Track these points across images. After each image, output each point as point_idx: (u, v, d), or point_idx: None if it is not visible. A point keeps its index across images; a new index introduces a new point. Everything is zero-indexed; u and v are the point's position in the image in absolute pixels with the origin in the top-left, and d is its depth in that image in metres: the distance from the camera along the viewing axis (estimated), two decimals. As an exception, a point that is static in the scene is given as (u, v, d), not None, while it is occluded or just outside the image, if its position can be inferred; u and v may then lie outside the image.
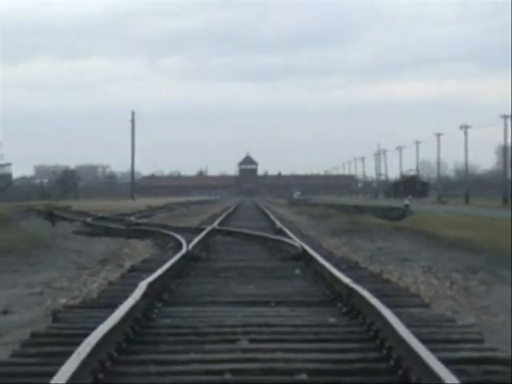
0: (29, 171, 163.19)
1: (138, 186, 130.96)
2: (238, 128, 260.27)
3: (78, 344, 6.89)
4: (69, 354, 6.54)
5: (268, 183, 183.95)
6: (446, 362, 6.29)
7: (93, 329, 7.64)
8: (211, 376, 7.03)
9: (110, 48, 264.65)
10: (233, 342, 8.65)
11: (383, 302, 9.26)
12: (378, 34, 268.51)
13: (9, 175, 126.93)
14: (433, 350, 6.74)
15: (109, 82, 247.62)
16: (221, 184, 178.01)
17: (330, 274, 13.11)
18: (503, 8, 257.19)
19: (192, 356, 7.91)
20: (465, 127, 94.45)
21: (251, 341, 8.70)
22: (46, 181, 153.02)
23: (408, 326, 7.82)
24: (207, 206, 77.75)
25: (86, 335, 7.30)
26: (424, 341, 7.16)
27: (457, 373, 6.03)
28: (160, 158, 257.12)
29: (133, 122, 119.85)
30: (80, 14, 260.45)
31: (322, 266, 14.37)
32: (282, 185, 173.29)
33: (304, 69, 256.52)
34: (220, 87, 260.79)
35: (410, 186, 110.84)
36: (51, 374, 5.84)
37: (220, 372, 7.14)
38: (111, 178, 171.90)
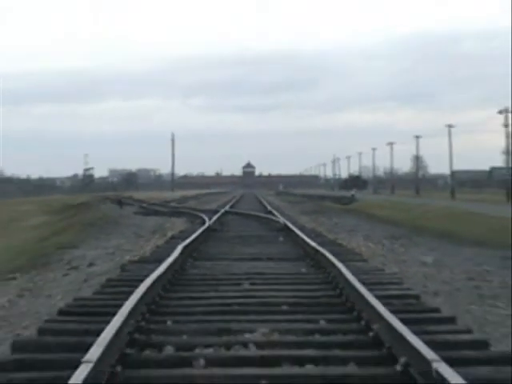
0: (105, 173, 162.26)
1: (176, 182, 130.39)
2: (242, 144, 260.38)
3: (137, 286, 6.92)
4: (131, 292, 6.57)
5: (262, 180, 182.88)
6: (378, 297, 6.32)
7: (147, 276, 7.67)
8: (224, 307, 7.05)
9: (156, 92, 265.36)
10: (238, 284, 8.68)
11: (337, 259, 9.29)
12: (333, 81, 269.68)
13: (92, 175, 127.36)
14: (370, 290, 6.77)
15: (157, 113, 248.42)
16: (231, 181, 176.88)
17: (303, 240, 13.14)
18: (414, 63, 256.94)
19: (212, 294, 7.94)
20: (391, 144, 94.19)
21: (251, 284, 8.73)
22: (115, 179, 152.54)
23: (353, 273, 7.83)
24: (222, 195, 77.56)
25: (142, 280, 7.32)
26: (364, 283, 7.18)
27: (386, 304, 6.05)
28: (190, 164, 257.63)
29: (173, 140, 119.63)
30: (134, 68, 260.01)
31: (297, 235, 14.41)
32: (271, 181, 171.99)
33: (286, 105, 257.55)
34: (230, 118, 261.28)
35: (355, 182, 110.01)
36: (120, 306, 5.87)
37: (230, 304, 7.18)
38: (159, 177, 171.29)
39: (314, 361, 5.02)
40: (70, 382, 3.74)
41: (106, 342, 4.55)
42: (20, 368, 4.81)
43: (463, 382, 3.73)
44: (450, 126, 72.45)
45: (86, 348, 4.42)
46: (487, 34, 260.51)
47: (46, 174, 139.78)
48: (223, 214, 25.38)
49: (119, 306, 5.82)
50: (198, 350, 5.32)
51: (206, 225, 18.03)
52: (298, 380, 4.63)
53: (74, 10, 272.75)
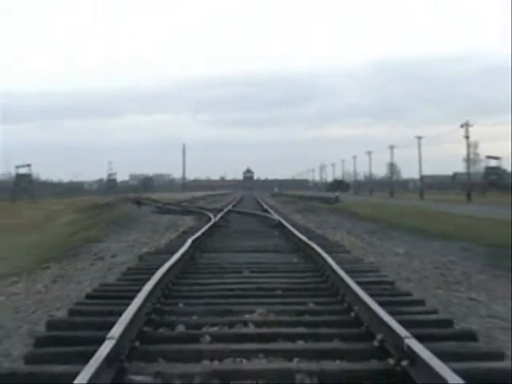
0: (126, 177, 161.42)
1: (186, 185, 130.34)
2: (243, 152, 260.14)
3: (153, 273, 6.93)
4: (148, 279, 6.57)
5: (260, 183, 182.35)
6: (359, 283, 6.32)
7: (161, 265, 7.67)
8: (227, 291, 7.05)
9: (170, 108, 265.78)
10: (240, 272, 8.68)
11: (324, 250, 9.29)
12: (320, 99, 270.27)
13: (114, 180, 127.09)
14: (352, 277, 6.76)
15: (170, 126, 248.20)
16: (233, 184, 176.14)
17: (294, 234, 13.14)
18: (386, 83, 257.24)
19: (217, 280, 7.93)
20: (369, 152, 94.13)
21: (250, 272, 8.73)
22: (135, 183, 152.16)
23: (337, 263, 7.83)
24: (225, 196, 77.30)
25: (157, 269, 7.33)
26: (347, 271, 7.18)
27: (365, 289, 6.04)
28: (199, 169, 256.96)
29: (184, 149, 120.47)
30: (151, 87, 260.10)
31: (290, 230, 14.40)
32: (267, 184, 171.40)
33: (281, 120, 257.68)
34: (232, 131, 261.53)
35: (339, 185, 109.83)
36: (138, 290, 5.87)
37: (233, 289, 7.17)
38: (172, 180, 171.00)
39: (304, 337, 5.03)
40: (96, 354, 3.75)
41: (127, 321, 4.56)
42: (54, 343, 4.82)
43: (430, 354, 3.74)
44: (419, 138, 72.77)
45: (110, 326, 4.43)
46: (454, 58, 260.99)
47: (75, 178, 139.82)
48: (226, 213, 25.34)
49: (138, 291, 5.83)
50: (204, 329, 5.32)
51: (212, 222, 18.02)
52: (291, 354, 4.63)
53: (99, 41, 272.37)
